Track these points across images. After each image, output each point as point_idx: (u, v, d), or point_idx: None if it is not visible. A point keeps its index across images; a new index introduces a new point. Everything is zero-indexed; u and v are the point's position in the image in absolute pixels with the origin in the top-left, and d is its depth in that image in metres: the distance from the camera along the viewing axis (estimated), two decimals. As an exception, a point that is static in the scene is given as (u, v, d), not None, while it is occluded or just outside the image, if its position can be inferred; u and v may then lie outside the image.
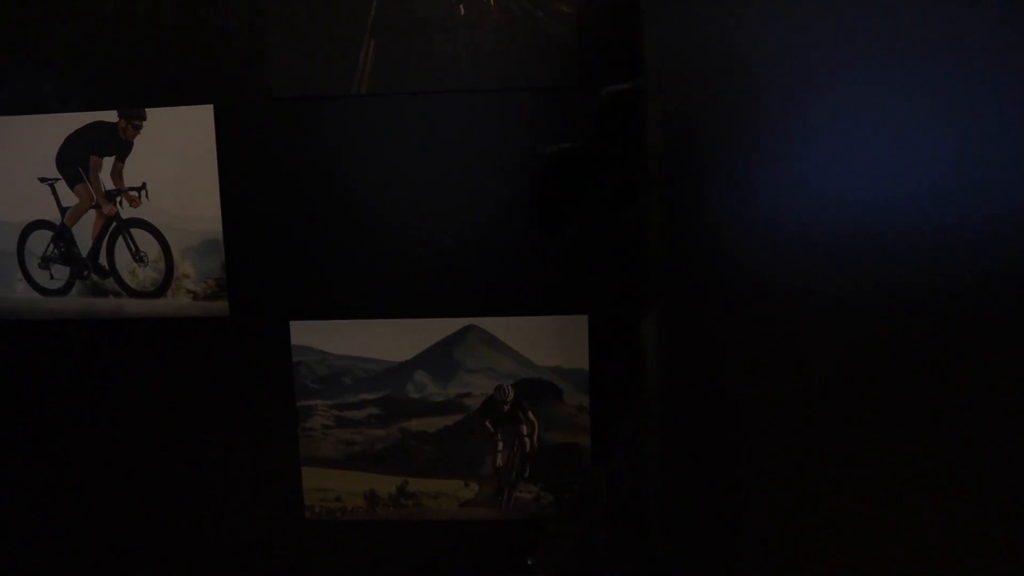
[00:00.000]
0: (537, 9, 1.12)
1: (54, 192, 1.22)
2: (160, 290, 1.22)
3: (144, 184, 1.21)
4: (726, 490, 0.51)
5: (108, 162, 1.21)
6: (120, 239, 1.22)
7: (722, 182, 0.51)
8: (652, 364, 0.70)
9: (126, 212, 1.21)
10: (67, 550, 1.29)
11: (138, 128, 1.20)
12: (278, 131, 1.17)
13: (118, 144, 1.20)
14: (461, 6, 1.13)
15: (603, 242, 1.15)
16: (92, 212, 1.22)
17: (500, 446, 1.21)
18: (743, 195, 0.47)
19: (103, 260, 1.23)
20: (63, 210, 1.23)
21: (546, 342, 1.18)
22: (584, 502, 1.06)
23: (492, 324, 1.18)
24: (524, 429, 1.20)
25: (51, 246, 1.24)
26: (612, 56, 1.11)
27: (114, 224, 1.22)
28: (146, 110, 1.19)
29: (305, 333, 1.20)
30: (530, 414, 1.20)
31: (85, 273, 1.24)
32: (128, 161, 1.20)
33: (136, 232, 1.22)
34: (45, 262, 1.24)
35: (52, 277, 1.24)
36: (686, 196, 0.59)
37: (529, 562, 1.03)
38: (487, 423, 1.20)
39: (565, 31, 1.12)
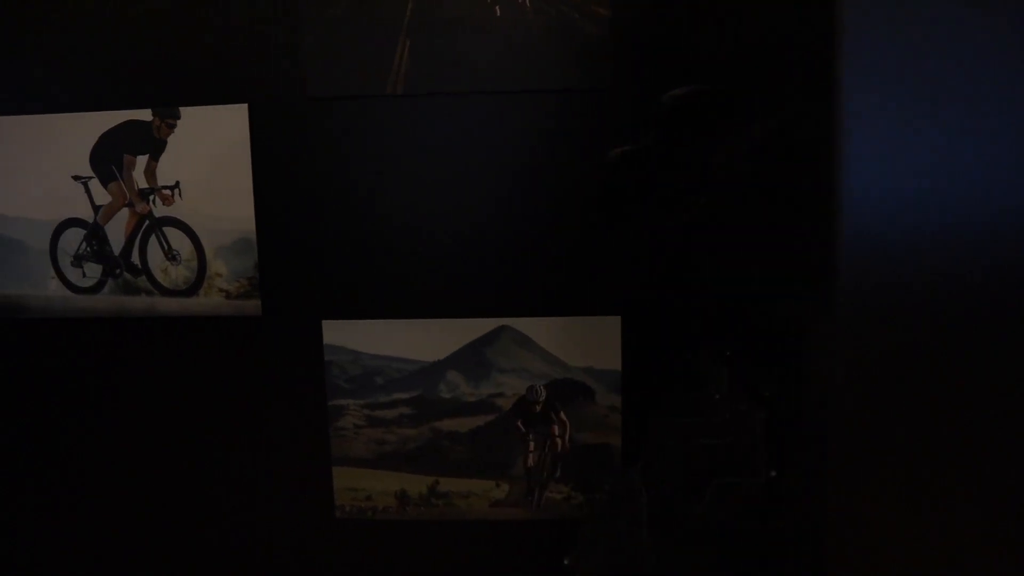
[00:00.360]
0: (572, 11, 1.19)
1: (87, 190, 1.31)
2: (192, 289, 1.30)
3: (178, 183, 1.29)
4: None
5: (142, 160, 1.29)
6: (153, 237, 1.31)
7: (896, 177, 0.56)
8: (829, 365, 0.75)
9: (159, 211, 1.30)
10: (92, 547, 1.37)
11: (172, 127, 1.28)
12: (312, 131, 1.25)
13: (152, 143, 1.28)
14: (497, 7, 1.21)
15: (637, 243, 1.23)
16: (125, 210, 1.31)
17: (531, 446, 1.29)
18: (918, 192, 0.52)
19: (136, 258, 1.31)
20: (96, 208, 1.31)
21: (579, 343, 1.25)
22: (618, 503, 1.14)
23: (525, 324, 1.26)
24: (556, 429, 1.28)
25: (84, 244, 1.32)
26: (648, 58, 1.19)
27: (147, 223, 1.31)
28: (180, 109, 1.27)
29: (338, 332, 1.28)
30: (562, 414, 1.27)
31: (117, 271, 1.32)
32: (162, 160, 1.28)
33: (169, 231, 1.30)
34: (78, 260, 1.32)
35: (84, 275, 1.33)
36: (865, 192, 0.64)
37: (566, 562, 1.11)
38: (519, 423, 1.28)
39: (600, 33, 1.19)
